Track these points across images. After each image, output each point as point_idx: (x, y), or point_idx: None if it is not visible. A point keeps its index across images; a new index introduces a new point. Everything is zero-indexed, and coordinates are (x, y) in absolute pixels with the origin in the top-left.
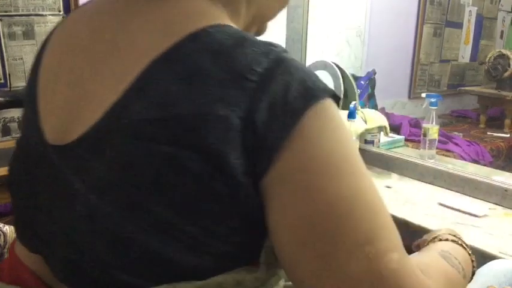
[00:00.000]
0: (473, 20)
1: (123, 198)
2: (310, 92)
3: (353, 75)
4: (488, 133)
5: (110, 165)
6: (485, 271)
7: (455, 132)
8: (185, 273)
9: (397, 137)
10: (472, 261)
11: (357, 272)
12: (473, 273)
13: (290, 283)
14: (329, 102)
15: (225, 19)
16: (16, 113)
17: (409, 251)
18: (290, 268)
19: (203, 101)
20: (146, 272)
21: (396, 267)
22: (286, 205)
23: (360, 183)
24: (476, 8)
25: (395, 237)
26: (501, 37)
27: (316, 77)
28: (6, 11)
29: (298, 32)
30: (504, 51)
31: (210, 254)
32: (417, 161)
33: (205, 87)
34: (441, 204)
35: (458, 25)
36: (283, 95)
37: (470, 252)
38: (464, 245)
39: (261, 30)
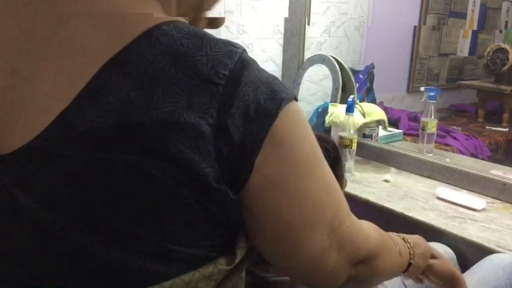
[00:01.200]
0: (477, 10)
1: (78, 211)
2: (278, 94)
3: (351, 69)
4: (487, 127)
5: (61, 177)
6: (483, 265)
7: (454, 126)
8: (152, 279)
9: (395, 131)
10: (410, 253)
11: (328, 242)
12: (409, 265)
13: None
14: (295, 104)
15: (158, 11)
16: None
17: None
18: (272, 258)
19: (169, 108)
20: (108, 284)
21: (350, 229)
22: (272, 207)
23: (326, 175)
24: None
25: (346, 206)
26: (505, 27)
27: (277, 78)
28: None
29: (296, 26)
30: (503, 45)
31: (178, 259)
32: (415, 155)
33: (169, 94)
34: (439, 198)
35: (462, 15)
36: (254, 98)
37: (412, 252)
38: (409, 245)
39: (197, 22)
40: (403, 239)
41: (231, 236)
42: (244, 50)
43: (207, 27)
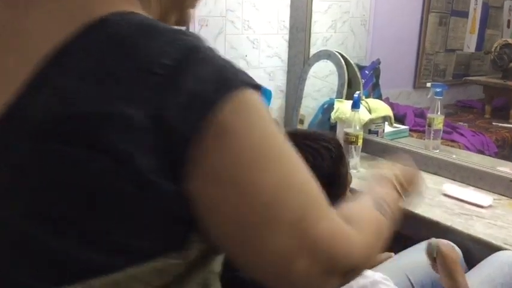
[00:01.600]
0: (479, 8)
1: (22, 201)
2: (224, 81)
3: (357, 65)
4: (494, 123)
5: (5, 167)
6: (489, 262)
7: (460, 123)
8: (98, 270)
9: (401, 127)
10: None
11: (294, 246)
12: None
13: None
14: (249, 93)
15: (132, 6)
16: None
17: (412, 241)
18: (229, 254)
19: (106, 99)
20: (55, 273)
21: (327, 233)
22: (215, 202)
23: (288, 169)
24: None
25: (323, 206)
26: (508, 26)
27: (235, 66)
28: None
29: (301, 21)
30: (510, 41)
31: (124, 252)
32: (422, 151)
33: (108, 85)
34: (445, 195)
35: (464, 14)
36: (194, 88)
37: (402, 195)
38: (397, 188)
39: (183, 19)
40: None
41: (189, 230)
42: (198, 38)
43: (175, 25)
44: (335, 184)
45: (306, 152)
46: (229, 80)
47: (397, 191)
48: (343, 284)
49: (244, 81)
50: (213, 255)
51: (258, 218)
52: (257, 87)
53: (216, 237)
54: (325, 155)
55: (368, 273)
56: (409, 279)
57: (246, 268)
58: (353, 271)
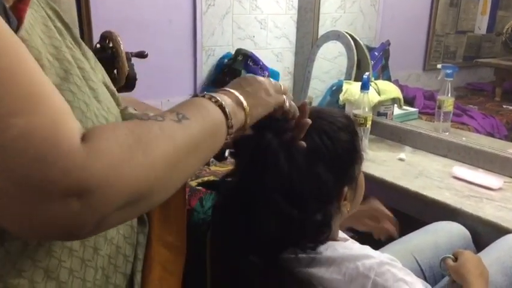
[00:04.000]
0: None
1: None
2: None
3: (367, 46)
4: (504, 106)
5: None
6: (498, 245)
7: (470, 105)
8: None
9: (410, 109)
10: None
11: None
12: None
13: None
14: None
15: None
16: None
17: (421, 223)
18: None
19: None
20: None
21: (20, 132)
22: None
23: None
24: None
25: (24, 101)
26: None
27: None
28: None
29: (310, 1)
30: None
31: None
32: (431, 134)
33: None
34: (455, 177)
35: None
36: None
37: (228, 113)
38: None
39: None
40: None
41: None
42: None
43: None
44: (353, 158)
45: (323, 125)
46: None
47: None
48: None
49: None
50: None
51: None
52: None
53: None
54: (342, 128)
55: (375, 253)
56: (417, 261)
57: None
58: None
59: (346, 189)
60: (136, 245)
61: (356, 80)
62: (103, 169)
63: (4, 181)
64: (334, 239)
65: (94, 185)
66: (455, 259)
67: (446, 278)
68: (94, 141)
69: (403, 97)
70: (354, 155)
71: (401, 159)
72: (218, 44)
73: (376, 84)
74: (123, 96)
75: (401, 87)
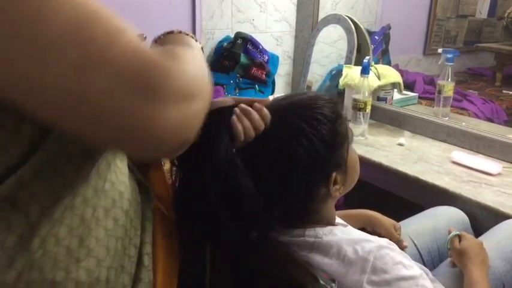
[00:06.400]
0: None
1: None
2: None
3: (367, 30)
4: (504, 91)
5: None
6: (498, 230)
7: (471, 90)
8: None
9: (410, 94)
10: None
11: (112, 82)
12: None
13: None
14: None
15: None
16: None
17: (419, 208)
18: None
19: None
20: None
21: (125, 45)
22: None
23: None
24: None
25: (120, 24)
26: None
27: None
28: None
29: None
30: None
31: None
32: (431, 119)
33: None
34: (454, 162)
35: None
36: None
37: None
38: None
39: None
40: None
41: None
42: None
43: None
44: (336, 143)
45: (302, 121)
46: None
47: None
48: (188, 113)
49: None
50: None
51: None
52: None
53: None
54: (322, 120)
55: (373, 238)
56: (415, 245)
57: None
58: (184, 97)
59: (334, 174)
60: (144, 220)
61: (356, 64)
62: (178, 79)
63: (118, 86)
64: (332, 224)
65: (176, 89)
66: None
67: (445, 263)
68: (168, 56)
69: (403, 82)
70: (335, 142)
71: (400, 144)
72: (217, 27)
73: (376, 68)
74: None
75: (402, 72)
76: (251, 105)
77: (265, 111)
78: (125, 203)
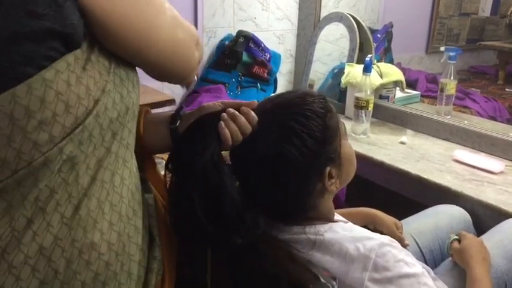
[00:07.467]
0: None
1: None
2: None
3: (369, 28)
4: (507, 90)
5: None
6: (500, 229)
7: (473, 89)
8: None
9: (413, 92)
10: None
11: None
12: None
13: None
14: None
15: None
16: None
17: (422, 206)
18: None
19: None
20: None
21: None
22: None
23: None
24: None
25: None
26: None
27: None
28: None
29: None
30: None
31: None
32: (433, 117)
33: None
34: (456, 161)
35: None
36: None
37: None
38: None
39: None
40: None
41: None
42: None
43: None
44: (326, 137)
45: (291, 120)
46: None
47: None
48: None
49: None
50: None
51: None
52: None
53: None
54: (311, 116)
55: (375, 235)
56: (418, 244)
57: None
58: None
59: (328, 169)
60: (146, 206)
61: (358, 62)
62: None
63: (190, 39)
64: (331, 220)
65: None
66: (459, 241)
67: (447, 261)
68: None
69: (406, 80)
70: (326, 137)
71: (402, 143)
72: (219, 26)
73: (378, 67)
74: None
75: (404, 70)
76: (239, 109)
77: (252, 114)
78: (124, 188)
